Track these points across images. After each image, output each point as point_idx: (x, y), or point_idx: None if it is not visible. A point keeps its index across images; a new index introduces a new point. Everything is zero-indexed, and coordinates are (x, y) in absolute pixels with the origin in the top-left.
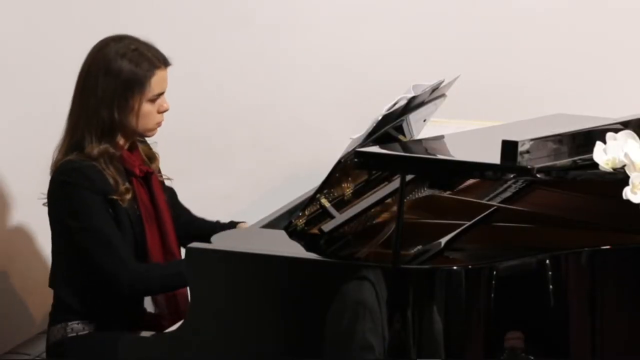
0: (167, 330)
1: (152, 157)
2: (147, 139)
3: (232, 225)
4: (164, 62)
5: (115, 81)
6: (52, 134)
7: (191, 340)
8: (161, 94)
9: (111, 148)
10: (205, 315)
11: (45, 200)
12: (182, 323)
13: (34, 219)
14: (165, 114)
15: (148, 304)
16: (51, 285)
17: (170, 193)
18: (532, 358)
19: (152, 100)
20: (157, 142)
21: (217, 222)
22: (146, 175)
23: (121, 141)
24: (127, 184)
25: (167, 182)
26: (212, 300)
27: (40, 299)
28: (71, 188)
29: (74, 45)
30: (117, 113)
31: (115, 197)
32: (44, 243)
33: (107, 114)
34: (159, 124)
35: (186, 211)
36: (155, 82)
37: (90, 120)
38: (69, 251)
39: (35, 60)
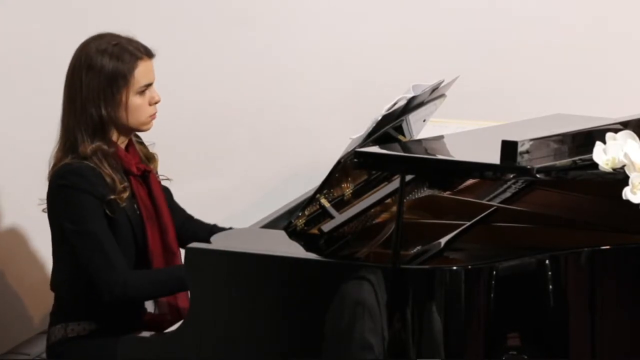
0: (167, 330)
1: (150, 157)
2: (145, 142)
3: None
4: (146, 53)
5: (99, 77)
6: (51, 139)
7: (191, 340)
8: (149, 85)
9: (104, 145)
10: (205, 315)
11: (44, 206)
12: (182, 323)
13: (33, 221)
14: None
15: (149, 304)
16: (52, 287)
17: (166, 193)
18: (531, 358)
19: (141, 93)
20: (154, 142)
21: (215, 225)
22: (144, 173)
23: (115, 137)
24: (125, 182)
25: (165, 183)
26: (212, 300)
27: (40, 300)
28: (68, 190)
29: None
30: (105, 109)
31: (113, 197)
32: (43, 245)
33: (95, 111)
34: (152, 117)
35: (181, 211)
36: (140, 74)
37: (79, 120)
38: (70, 254)
39: (34, 64)
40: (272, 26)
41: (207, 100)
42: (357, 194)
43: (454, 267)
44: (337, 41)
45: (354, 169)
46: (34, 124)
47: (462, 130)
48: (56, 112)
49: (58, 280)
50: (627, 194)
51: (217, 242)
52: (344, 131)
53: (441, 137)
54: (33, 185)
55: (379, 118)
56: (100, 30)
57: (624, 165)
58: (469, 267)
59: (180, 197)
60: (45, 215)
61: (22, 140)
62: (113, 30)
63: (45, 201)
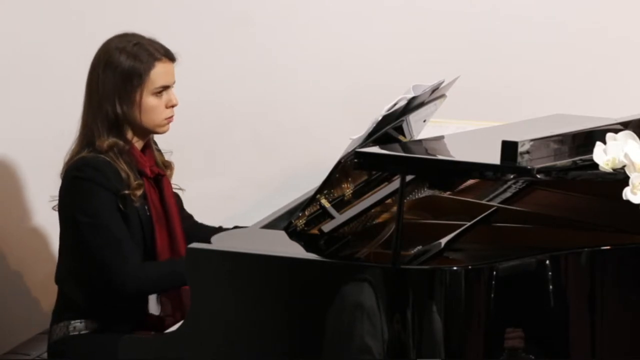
0: (167, 331)
1: (167, 165)
2: (163, 150)
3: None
4: (166, 55)
5: (114, 74)
6: (54, 139)
7: (191, 340)
8: (166, 87)
9: (120, 141)
10: (205, 315)
11: (54, 203)
12: (182, 323)
13: (36, 220)
14: None
15: (152, 305)
16: (57, 281)
17: (177, 199)
18: (532, 358)
19: (157, 94)
20: (172, 151)
21: (220, 227)
22: (157, 176)
23: (130, 136)
24: (139, 180)
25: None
26: (212, 300)
27: (40, 300)
28: (83, 183)
29: (75, 51)
30: (120, 106)
31: (127, 192)
32: (45, 244)
33: (110, 108)
34: (168, 120)
35: (190, 217)
36: (157, 75)
37: (96, 116)
38: (77, 248)
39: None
40: (272, 26)
41: (207, 100)
42: (357, 194)
43: (454, 267)
44: (337, 41)
45: (354, 169)
46: (38, 124)
47: (462, 130)
48: (62, 112)
49: (62, 275)
50: (627, 194)
51: (217, 242)
52: (344, 131)
53: (441, 137)
54: (37, 185)
55: (379, 118)
56: (98, 31)
57: (624, 166)
58: (469, 267)
59: (181, 197)
60: (49, 215)
61: (28, 140)
62: (110, 29)
63: (57, 198)
